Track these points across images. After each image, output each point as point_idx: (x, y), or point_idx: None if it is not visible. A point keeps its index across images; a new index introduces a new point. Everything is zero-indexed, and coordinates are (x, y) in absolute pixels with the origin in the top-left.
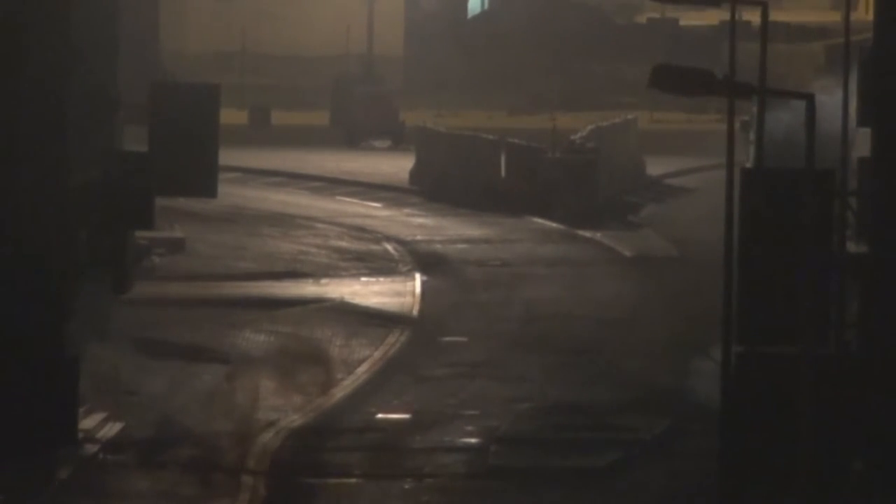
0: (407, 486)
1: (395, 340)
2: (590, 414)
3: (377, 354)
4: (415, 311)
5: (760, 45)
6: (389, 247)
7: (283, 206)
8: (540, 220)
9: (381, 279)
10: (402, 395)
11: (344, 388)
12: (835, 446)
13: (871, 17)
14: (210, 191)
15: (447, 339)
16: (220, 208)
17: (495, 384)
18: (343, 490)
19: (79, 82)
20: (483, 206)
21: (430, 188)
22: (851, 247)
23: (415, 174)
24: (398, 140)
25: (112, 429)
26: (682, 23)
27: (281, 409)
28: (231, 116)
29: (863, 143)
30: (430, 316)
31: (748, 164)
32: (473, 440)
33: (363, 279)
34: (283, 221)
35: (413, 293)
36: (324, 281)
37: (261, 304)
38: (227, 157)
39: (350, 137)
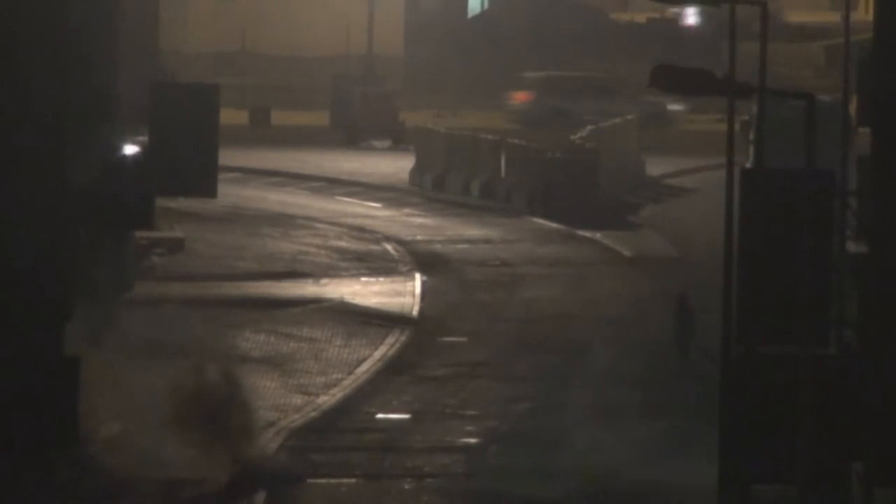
0: (407, 486)
1: (394, 340)
2: (590, 414)
3: (377, 354)
4: (414, 312)
5: (760, 45)
6: (389, 247)
7: (282, 206)
8: (540, 221)
9: (381, 279)
10: (401, 395)
11: (344, 388)
12: (835, 446)
13: (871, 17)
14: (210, 191)
15: (447, 339)
16: (220, 208)
17: (495, 384)
18: (343, 490)
19: (78, 83)
20: (483, 207)
21: (430, 188)
22: (851, 247)
23: (415, 174)
24: (398, 140)
25: (112, 429)
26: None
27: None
28: (231, 116)
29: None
30: (429, 316)
31: (748, 164)
32: (473, 440)
33: (363, 279)
34: (283, 221)
35: (413, 293)
36: (323, 281)
37: (261, 304)
38: (227, 157)
39: (350, 137)
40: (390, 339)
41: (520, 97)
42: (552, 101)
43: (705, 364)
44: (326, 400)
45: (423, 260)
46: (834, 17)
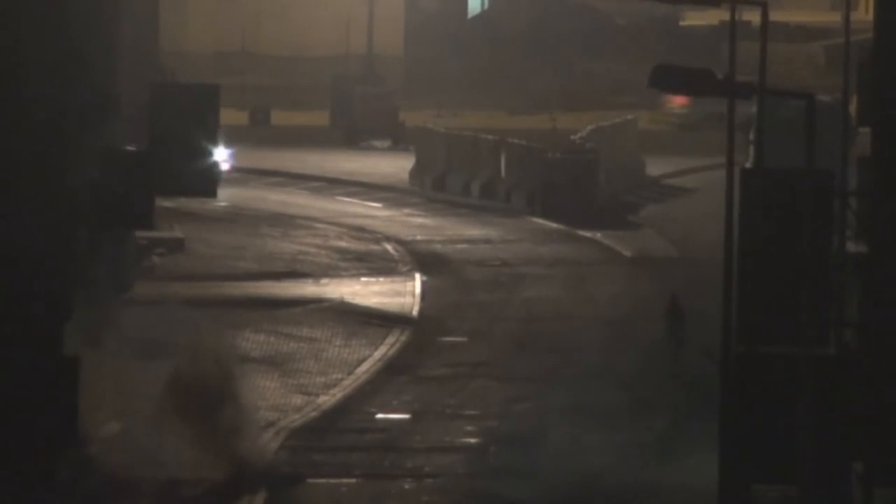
0: (407, 486)
1: (394, 340)
2: (589, 414)
3: (377, 354)
4: (414, 311)
5: (760, 45)
6: (389, 247)
7: (282, 206)
8: (540, 220)
9: (381, 279)
10: (401, 395)
11: (344, 388)
12: (835, 446)
13: (871, 17)
14: (210, 191)
15: (447, 339)
16: (220, 208)
17: (495, 384)
18: (343, 490)
19: (78, 83)
20: (483, 206)
21: (430, 188)
22: (851, 247)
23: (415, 174)
24: (398, 140)
25: (112, 429)
26: (682, 23)
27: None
28: (231, 116)
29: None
30: (429, 316)
31: (748, 164)
32: (473, 440)
33: (363, 279)
34: (283, 221)
35: (413, 293)
36: (324, 281)
37: (261, 304)
38: None
39: (350, 137)
40: (390, 339)
41: (678, 100)
42: (710, 105)
43: (704, 363)
44: (326, 400)
45: (423, 260)
46: (834, 17)
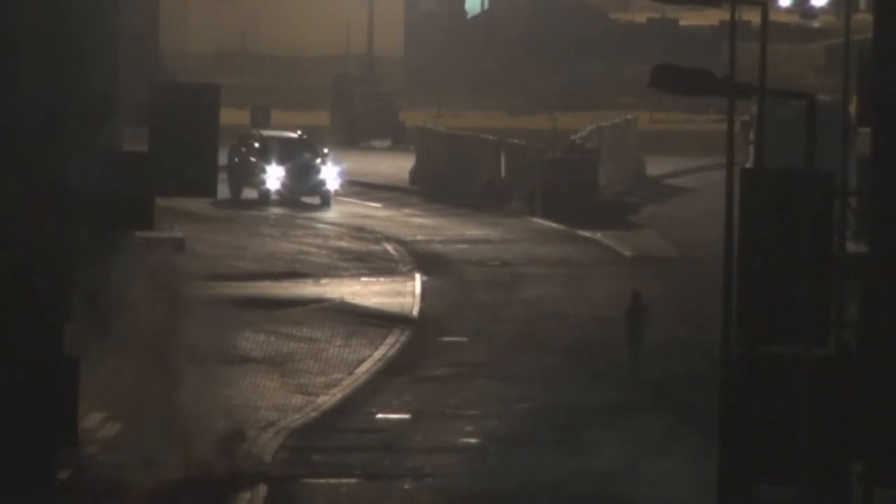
0: (407, 486)
1: (394, 340)
2: (589, 414)
3: (377, 354)
4: (415, 311)
5: (760, 45)
6: (389, 247)
7: (282, 206)
8: (540, 220)
9: (381, 279)
10: (401, 395)
11: (344, 388)
12: (835, 446)
13: (871, 17)
14: (210, 191)
15: (447, 339)
16: (219, 208)
17: (495, 384)
18: (343, 490)
19: (78, 82)
20: (483, 207)
21: (430, 188)
22: (851, 247)
23: (415, 174)
24: (398, 140)
25: (112, 429)
26: (682, 23)
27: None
28: (231, 116)
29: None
30: (429, 316)
31: (748, 165)
32: (473, 440)
33: (363, 279)
34: (283, 221)
35: (413, 293)
36: (324, 281)
37: (261, 304)
38: None
39: (350, 137)
40: (390, 339)
41: None
42: None
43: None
44: (326, 400)
45: (423, 260)
46: (834, 17)
